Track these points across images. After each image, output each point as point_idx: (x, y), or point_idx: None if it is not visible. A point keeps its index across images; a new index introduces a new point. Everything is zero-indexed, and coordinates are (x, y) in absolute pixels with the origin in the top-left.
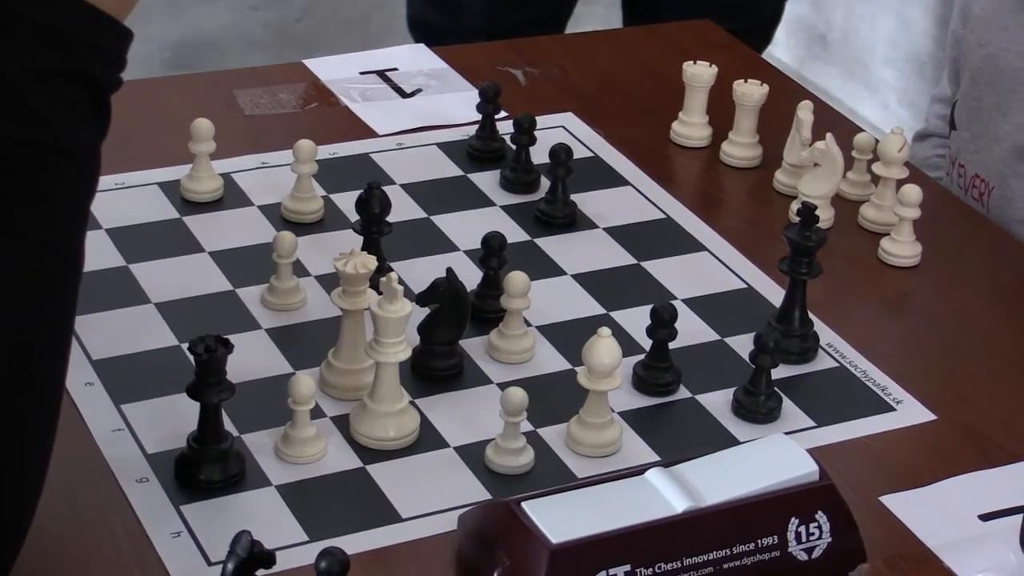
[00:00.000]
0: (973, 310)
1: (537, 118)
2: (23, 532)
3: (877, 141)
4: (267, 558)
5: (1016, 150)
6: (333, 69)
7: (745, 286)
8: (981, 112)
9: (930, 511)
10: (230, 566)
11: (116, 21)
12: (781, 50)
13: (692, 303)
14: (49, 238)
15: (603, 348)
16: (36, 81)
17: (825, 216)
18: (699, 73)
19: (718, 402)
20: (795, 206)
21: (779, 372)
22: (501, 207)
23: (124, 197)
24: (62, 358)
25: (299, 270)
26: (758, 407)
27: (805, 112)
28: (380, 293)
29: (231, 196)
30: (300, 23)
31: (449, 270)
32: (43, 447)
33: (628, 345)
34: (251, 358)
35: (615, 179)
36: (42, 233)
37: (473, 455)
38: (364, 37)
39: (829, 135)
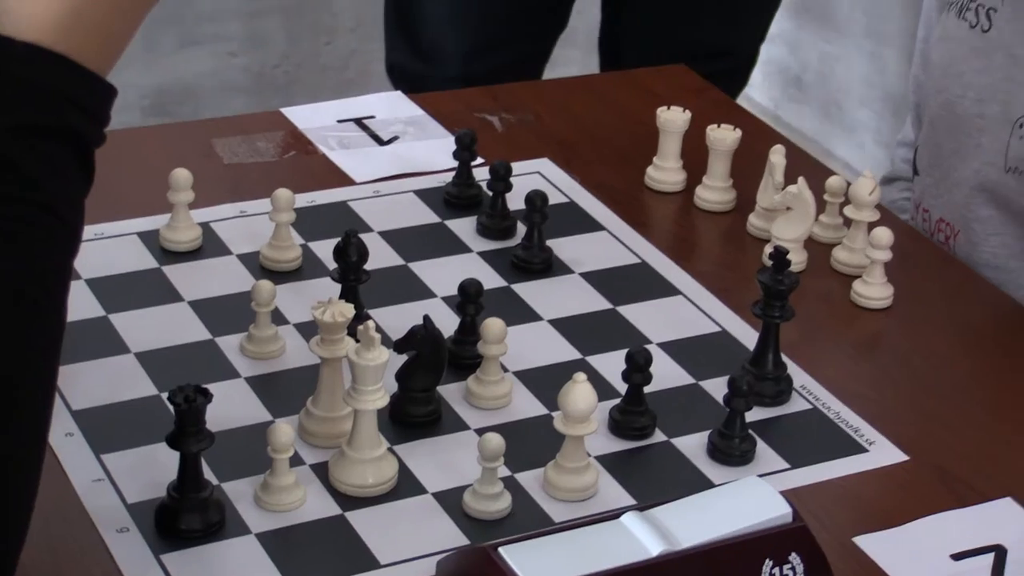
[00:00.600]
0: (944, 351)
1: (513, 164)
2: (13, 565)
3: (849, 184)
4: None
5: (975, 198)
6: (310, 117)
7: (719, 329)
8: (941, 158)
9: (903, 551)
10: None
11: (99, 78)
12: (757, 92)
13: (667, 347)
14: (31, 291)
15: (579, 393)
16: (17, 136)
17: (798, 259)
18: (673, 118)
19: (693, 445)
20: (768, 250)
21: (753, 415)
22: (478, 253)
23: (103, 247)
24: (45, 409)
25: (277, 318)
26: (732, 450)
27: (778, 156)
28: (358, 341)
29: (210, 245)
30: (279, 68)
31: (426, 317)
32: (25, 497)
33: (604, 389)
34: (230, 407)
35: (590, 224)
36: (23, 285)
37: (451, 501)
38: (342, 82)
39: (801, 179)
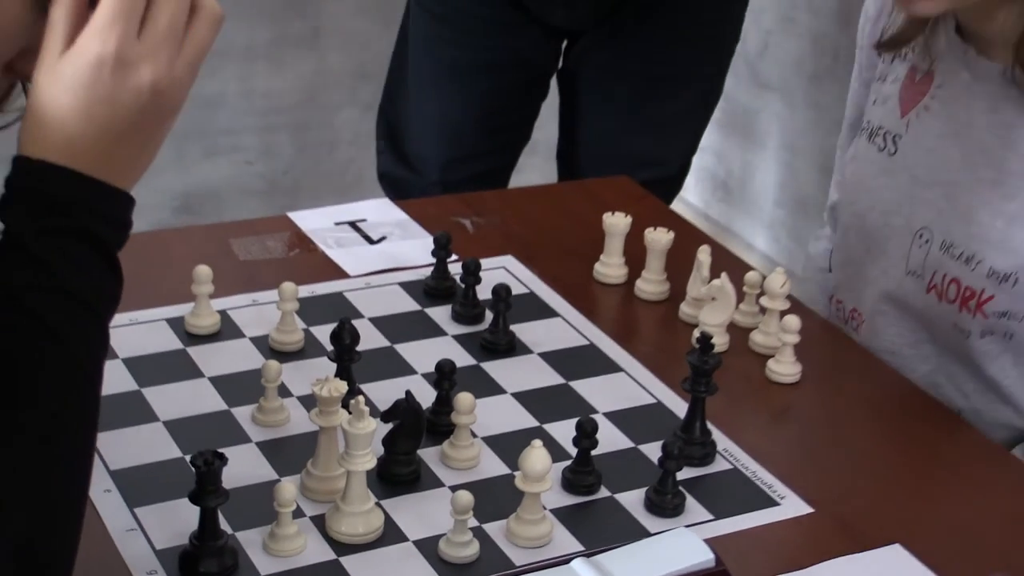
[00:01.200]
0: (845, 420)
1: (482, 261)
2: None
3: (764, 278)
4: None
5: (880, 295)
6: (312, 220)
7: (655, 401)
8: (853, 259)
9: None
10: None
11: (117, 190)
12: (691, 194)
13: (611, 416)
14: (67, 373)
15: (535, 457)
16: (42, 237)
17: (721, 342)
18: (616, 222)
19: (632, 500)
20: (696, 334)
21: (683, 474)
22: (452, 336)
23: (137, 331)
24: (86, 470)
25: (283, 392)
26: (666, 504)
27: (704, 255)
28: (350, 413)
29: (227, 329)
30: (287, 175)
31: (408, 392)
32: (71, 544)
33: (557, 452)
34: (243, 467)
35: (547, 312)
36: (59, 368)
37: (428, 548)
38: (341, 186)
39: (724, 274)
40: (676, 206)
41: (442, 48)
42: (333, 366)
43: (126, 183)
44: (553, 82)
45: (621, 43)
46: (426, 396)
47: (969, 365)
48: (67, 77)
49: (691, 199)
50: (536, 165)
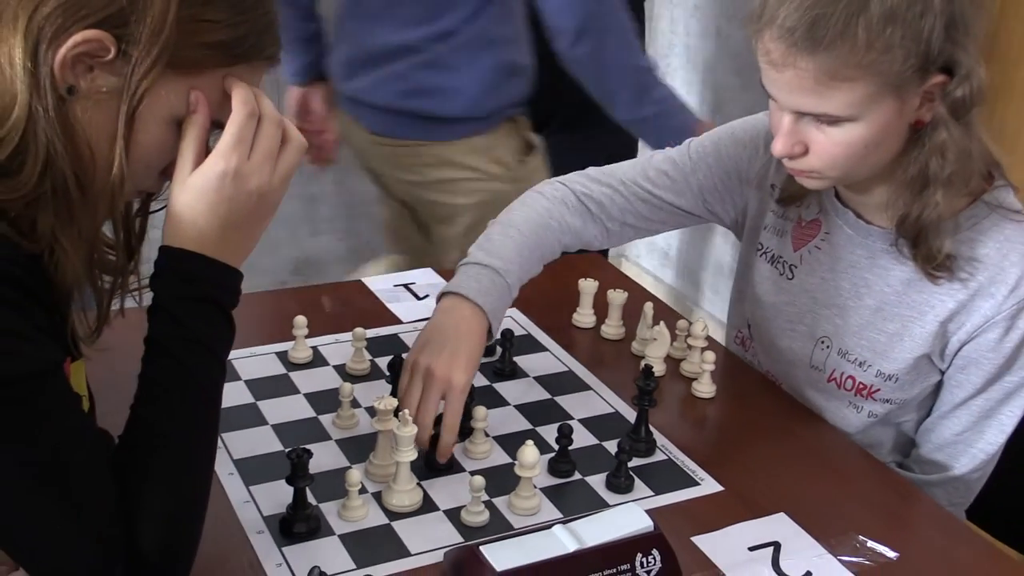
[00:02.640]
0: (747, 424)
1: None
2: (196, 551)
3: (690, 324)
4: None
5: (788, 370)
6: (378, 283)
7: (614, 411)
8: (764, 345)
9: (719, 545)
10: None
11: (234, 269)
12: (644, 261)
13: (583, 422)
14: (199, 399)
15: (529, 452)
16: (180, 302)
17: (660, 369)
18: (588, 285)
19: (597, 481)
20: (642, 364)
21: (633, 463)
22: None
23: (254, 361)
24: (211, 461)
25: (355, 404)
26: (620, 484)
27: (648, 308)
28: (399, 421)
29: (317, 360)
30: (367, 246)
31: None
32: (202, 512)
33: (545, 448)
34: (325, 458)
35: (539, 347)
36: (191, 395)
37: (453, 515)
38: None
39: (662, 322)
40: (629, 269)
41: None
42: (388, 387)
43: (238, 262)
44: None
45: (557, 150)
46: None
47: (853, 421)
48: (198, 187)
49: (644, 264)
50: None
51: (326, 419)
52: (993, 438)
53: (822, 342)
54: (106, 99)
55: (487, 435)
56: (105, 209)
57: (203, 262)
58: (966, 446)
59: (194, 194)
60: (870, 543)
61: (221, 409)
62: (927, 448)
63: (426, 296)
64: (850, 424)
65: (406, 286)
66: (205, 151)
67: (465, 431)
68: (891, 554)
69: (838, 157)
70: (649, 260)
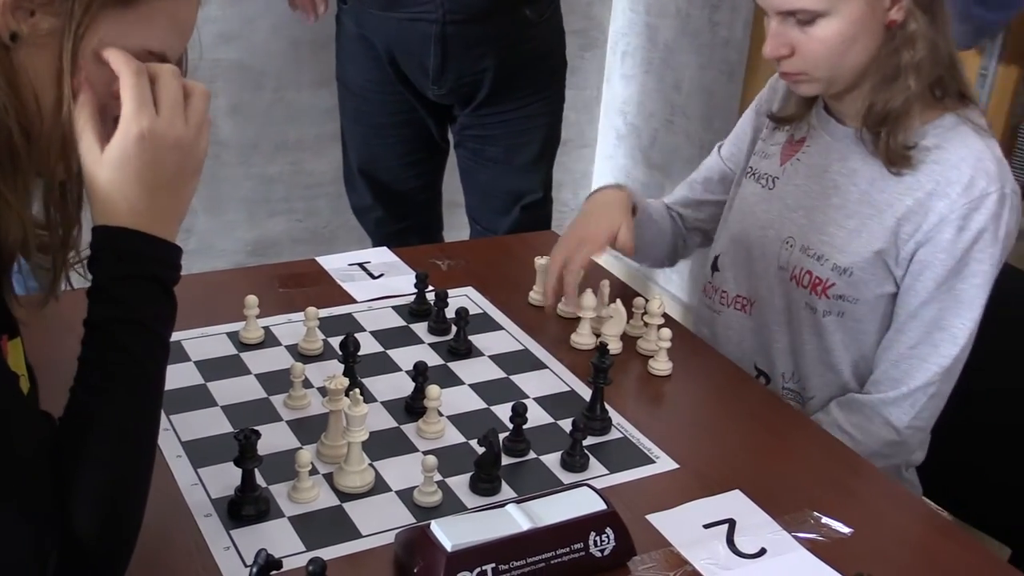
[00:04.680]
0: (702, 402)
1: (449, 291)
2: (136, 536)
3: (647, 302)
4: (277, 565)
5: (760, 284)
6: (333, 262)
7: (569, 390)
8: (739, 260)
9: (674, 523)
10: (254, 570)
11: (169, 243)
12: None
13: (538, 400)
14: (139, 379)
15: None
16: (118, 282)
17: (615, 347)
18: (543, 263)
19: (552, 460)
20: (599, 341)
21: (588, 441)
22: (427, 344)
23: (204, 341)
24: (153, 443)
25: (307, 385)
26: (575, 463)
27: (605, 286)
28: (350, 400)
29: (269, 340)
30: (326, 228)
31: (492, 430)
32: (147, 484)
33: (500, 427)
34: (276, 439)
35: (495, 326)
36: (131, 374)
37: (406, 496)
38: (361, 236)
39: (618, 299)
40: None
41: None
42: (341, 366)
43: (174, 231)
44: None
45: (485, 121)
46: (406, 387)
47: (815, 334)
48: (117, 159)
49: None
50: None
51: (277, 400)
52: (947, 351)
53: (787, 242)
54: (49, 41)
55: (440, 414)
56: (56, 155)
57: (140, 239)
58: (920, 360)
59: (115, 167)
60: (824, 519)
61: (166, 390)
62: (884, 366)
63: (381, 275)
64: (807, 341)
65: (361, 265)
66: (104, 130)
67: (418, 410)
68: (845, 530)
69: (820, 54)
70: None
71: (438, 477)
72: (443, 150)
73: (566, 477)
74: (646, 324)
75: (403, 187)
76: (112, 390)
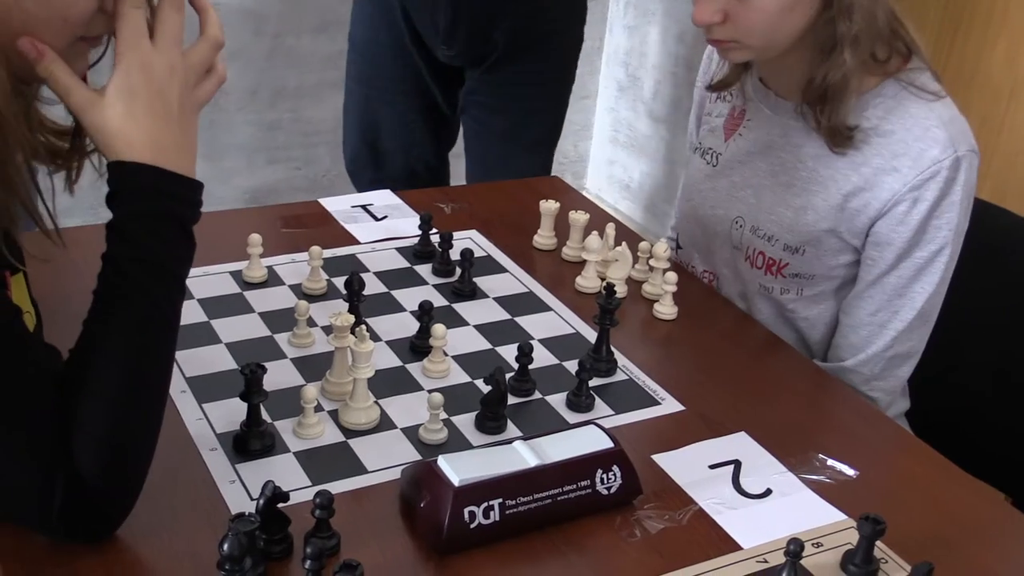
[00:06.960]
0: (707, 345)
1: (454, 233)
2: (143, 477)
3: (652, 246)
4: (284, 496)
5: (716, 260)
6: (336, 204)
7: (574, 331)
8: (695, 238)
9: (680, 463)
10: (261, 501)
11: (190, 179)
12: (605, 195)
13: (543, 342)
14: (154, 316)
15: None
16: (135, 219)
17: (621, 290)
18: (549, 207)
19: (558, 400)
20: (604, 284)
21: (593, 382)
22: (432, 285)
23: (209, 280)
24: (166, 381)
25: (311, 323)
26: (581, 403)
27: (610, 229)
28: (356, 337)
29: (272, 279)
30: (325, 177)
31: (498, 368)
32: (155, 430)
33: (506, 367)
34: (280, 376)
35: (499, 268)
36: (149, 311)
37: (411, 434)
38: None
39: (624, 243)
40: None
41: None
42: (345, 305)
43: (191, 167)
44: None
45: (493, 88)
46: (411, 327)
47: (778, 313)
48: (125, 92)
49: (606, 197)
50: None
51: (281, 338)
52: (906, 315)
53: (736, 222)
54: None
55: (446, 354)
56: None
57: (160, 176)
58: (879, 327)
59: (124, 100)
60: (830, 461)
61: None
62: (844, 331)
63: (384, 217)
64: (768, 316)
65: (364, 207)
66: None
67: (423, 349)
68: (850, 471)
69: (755, 22)
70: (610, 193)
71: (444, 415)
72: (448, 125)
73: (572, 417)
74: (651, 268)
75: (403, 159)
76: (124, 324)
